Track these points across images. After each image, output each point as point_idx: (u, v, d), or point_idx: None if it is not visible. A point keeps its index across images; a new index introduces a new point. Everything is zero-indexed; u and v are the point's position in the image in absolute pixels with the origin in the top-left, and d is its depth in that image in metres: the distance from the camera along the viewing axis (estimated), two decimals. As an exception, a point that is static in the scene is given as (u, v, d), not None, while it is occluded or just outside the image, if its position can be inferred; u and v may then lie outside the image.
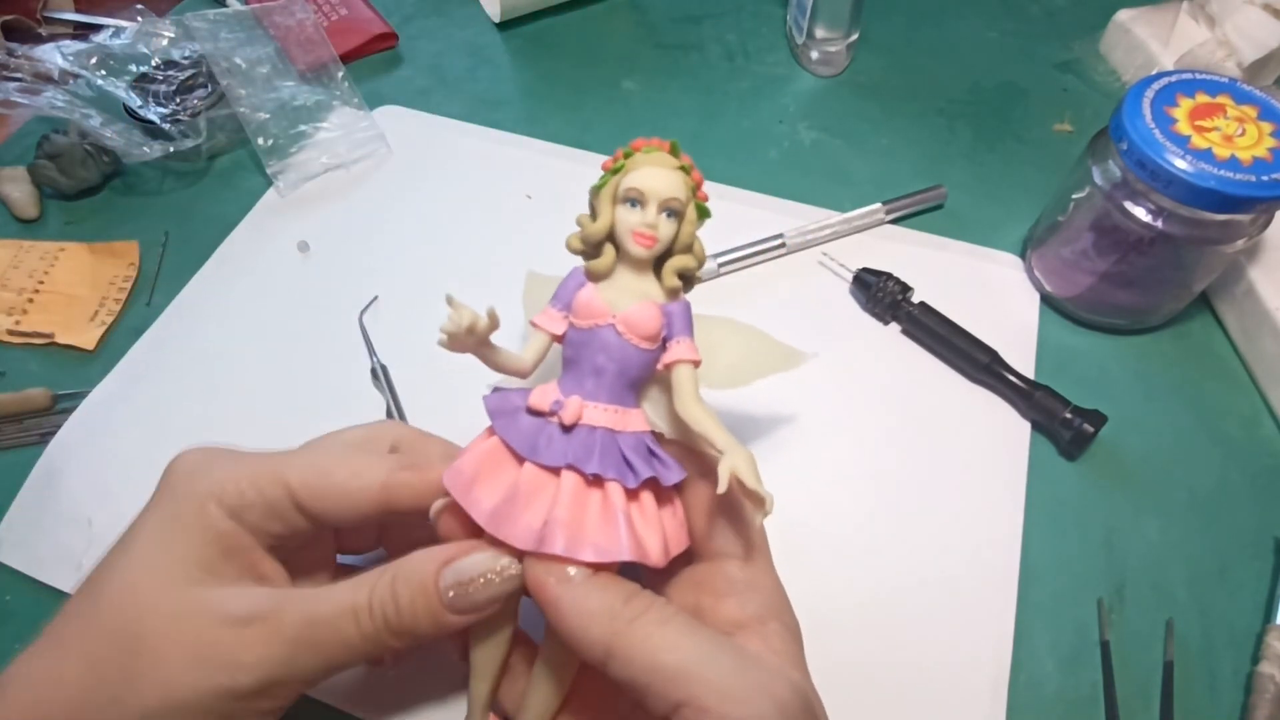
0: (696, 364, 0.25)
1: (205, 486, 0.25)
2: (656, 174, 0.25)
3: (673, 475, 0.25)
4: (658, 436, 0.26)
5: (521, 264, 0.46)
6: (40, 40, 0.51)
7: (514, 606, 0.26)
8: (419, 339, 0.42)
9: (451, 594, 0.24)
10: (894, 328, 0.42)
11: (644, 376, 0.26)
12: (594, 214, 0.27)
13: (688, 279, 0.27)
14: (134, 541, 0.25)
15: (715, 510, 0.25)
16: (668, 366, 0.25)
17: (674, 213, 0.25)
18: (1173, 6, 0.52)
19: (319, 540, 0.28)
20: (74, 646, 0.24)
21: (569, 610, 0.23)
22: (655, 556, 0.24)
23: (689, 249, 0.26)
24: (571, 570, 0.23)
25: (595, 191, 0.26)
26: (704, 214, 0.27)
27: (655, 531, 0.24)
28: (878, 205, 0.46)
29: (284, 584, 0.27)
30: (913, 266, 0.43)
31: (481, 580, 0.24)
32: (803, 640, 0.25)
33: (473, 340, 0.25)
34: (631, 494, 0.24)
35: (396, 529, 0.30)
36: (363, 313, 0.43)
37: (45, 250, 0.46)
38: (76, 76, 0.49)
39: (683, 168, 0.26)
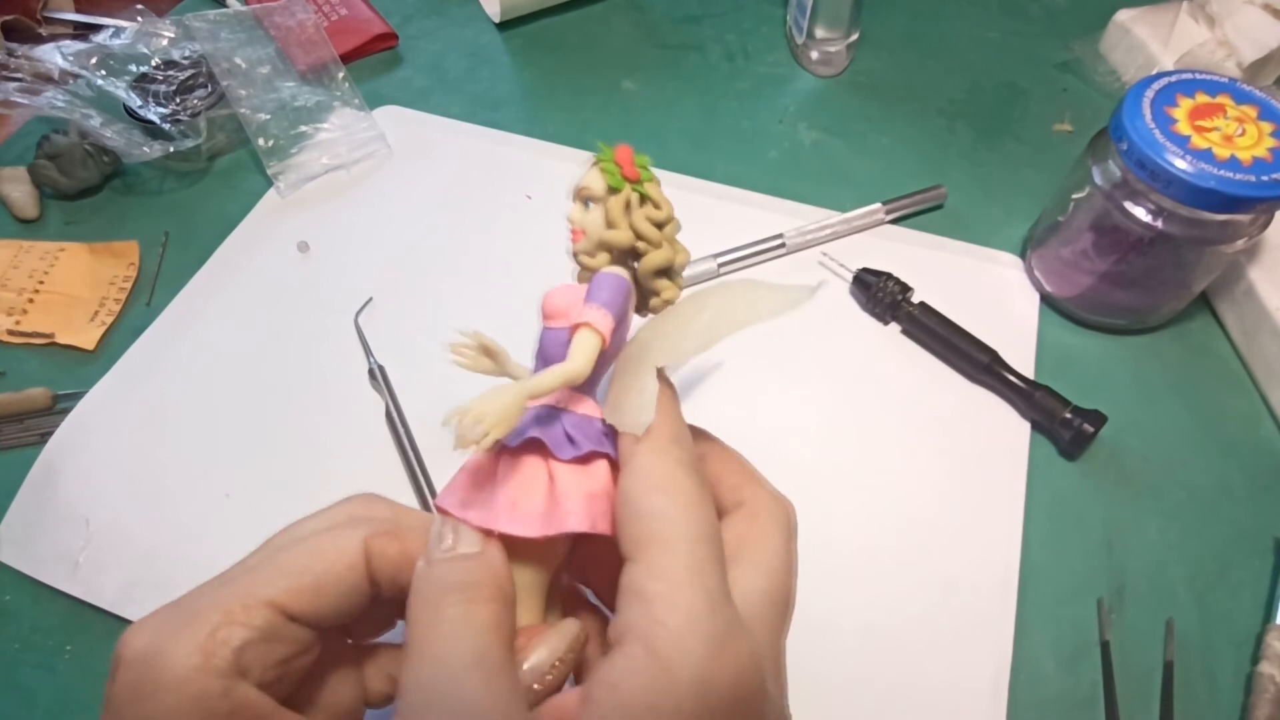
0: (598, 331, 0.23)
1: (182, 658, 0.19)
2: (581, 177, 0.25)
3: (513, 436, 0.23)
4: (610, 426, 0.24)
5: (521, 264, 0.46)
6: (40, 40, 0.51)
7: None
8: (420, 338, 0.42)
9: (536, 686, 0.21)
10: (894, 328, 0.42)
11: (562, 356, 0.24)
12: None
13: (621, 254, 0.25)
14: None
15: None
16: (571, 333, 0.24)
17: (592, 199, 0.25)
18: (1173, 6, 0.52)
19: (340, 673, 0.24)
20: None
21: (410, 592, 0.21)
22: (501, 522, 0.22)
23: (615, 225, 0.25)
24: (439, 551, 0.21)
25: None
26: (613, 185, 0.25)
27: (529, 499, 0.22)
28: (877, 205, 0.46)
29: None
30: (913, 266, 0.43)
31: (557, 662, 0.21)
32: (670, 675, 0.18)
33: (489, 363, 0.25)
34: (513, 458, 0.23)
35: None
36: (358, 314, 0.43)
37: (45, 250, 0.46)
38: (76, 76, 0.49)
39: (600, 158, 0.25)
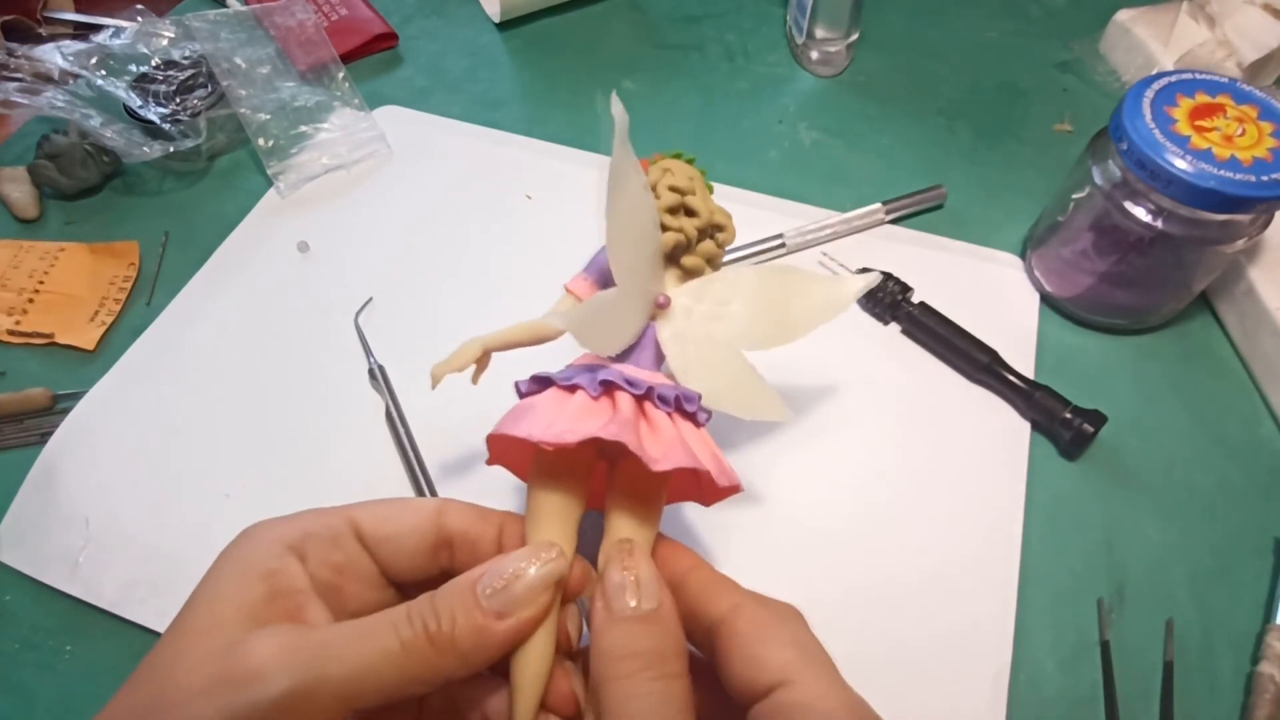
0: (571, 292, 0.30)
1: (266, 532, 0.24)
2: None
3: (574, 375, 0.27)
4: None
5: (522, 264, 0.46)
6: (40, 40, 0.51)
7: (555, 609, 0.25)
8: (420, 339, 0.42)
9: (488, 594, 0.23)
10: (894, 328, 0.42)
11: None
12: None
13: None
14: (191, 599, 0.23)
15: (750, 639, 0.24)
16: None
17: None
18: (1173, 6, 0.52)
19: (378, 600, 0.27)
20: (127, 704, 0.22)
21: None
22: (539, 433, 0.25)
23: None
24: (622, 604, 0.24)
25: None
26: None
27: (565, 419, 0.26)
28: (877, 205, 0.46)
29: None
30: (913, 266, 0.43)
31: (518, 574, 0.23)
32: None
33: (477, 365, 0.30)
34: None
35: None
36: (358, 314, 0.43)
37: (45, 250, 0.46)
38: (76, 76, 0.49)
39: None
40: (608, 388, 0.26)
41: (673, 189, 0.30)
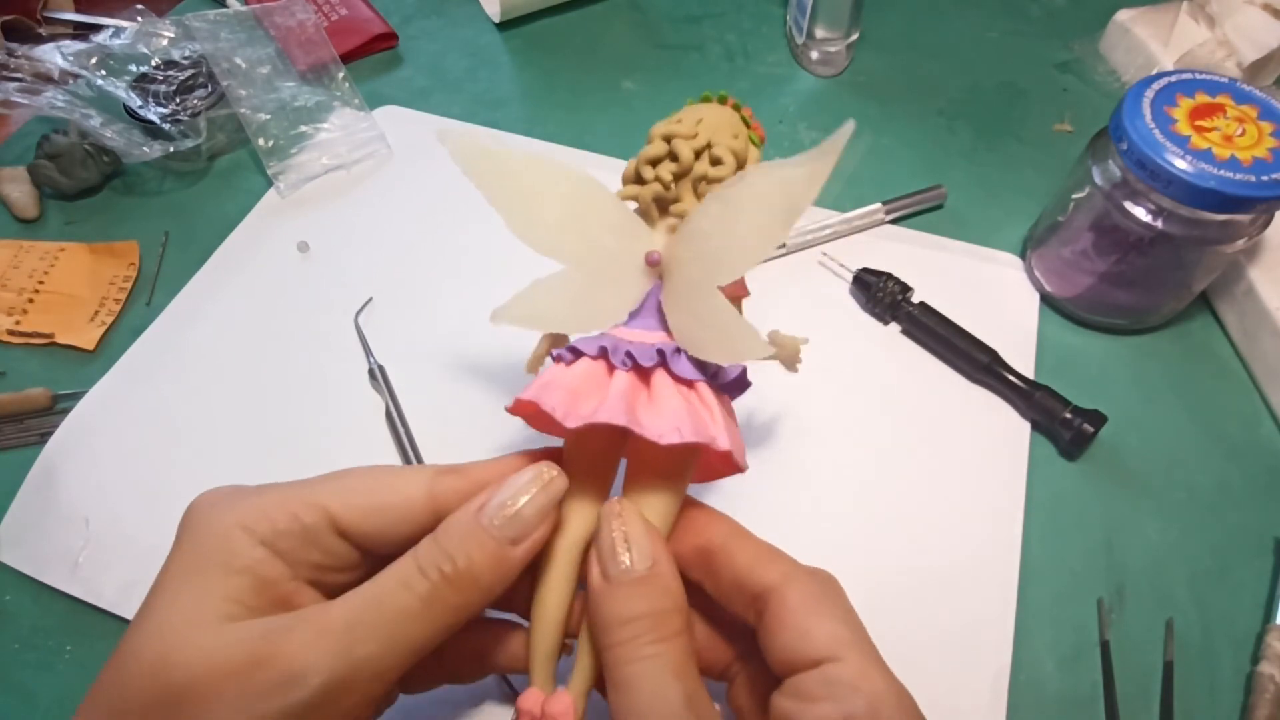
0: None
1: (230, 518, 0.23)
2: None
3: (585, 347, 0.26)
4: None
5: (522, 264, 0.46)
6: (40, 40, 0.51)
7: (574, 553, 0.26)
8: (420, 339, 0.42)
9: (499, 523, 0.23)
10: (894, 328, 0.42)
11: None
12: None
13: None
14: (158, 589, 0.23)
15: (802, 611, 0.23)
16: None
17: None
18: (1173, 6, 0.52)
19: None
20: (114, 710, 0.21)
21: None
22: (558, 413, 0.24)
23: None
24: (616, 568, 0.23)
25: None
26: None
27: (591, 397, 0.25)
28: (877, 205, 0.46)
29: None
30: (913, 266, 0.43)
31: (524, 497, 0.23)
32: None
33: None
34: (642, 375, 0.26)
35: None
36: (358, 315, 0.43)
37: (45, 250, 0.46)
38: (76, 76, 0.49)
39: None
40: (575, 354, 0.26)
41: (666, 137, 0.28)
